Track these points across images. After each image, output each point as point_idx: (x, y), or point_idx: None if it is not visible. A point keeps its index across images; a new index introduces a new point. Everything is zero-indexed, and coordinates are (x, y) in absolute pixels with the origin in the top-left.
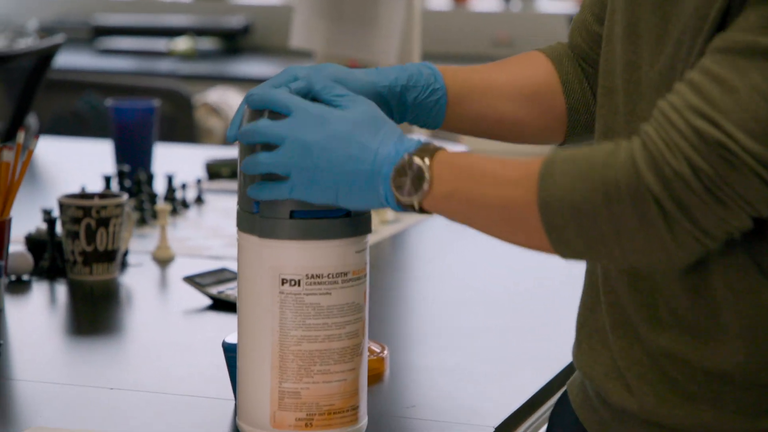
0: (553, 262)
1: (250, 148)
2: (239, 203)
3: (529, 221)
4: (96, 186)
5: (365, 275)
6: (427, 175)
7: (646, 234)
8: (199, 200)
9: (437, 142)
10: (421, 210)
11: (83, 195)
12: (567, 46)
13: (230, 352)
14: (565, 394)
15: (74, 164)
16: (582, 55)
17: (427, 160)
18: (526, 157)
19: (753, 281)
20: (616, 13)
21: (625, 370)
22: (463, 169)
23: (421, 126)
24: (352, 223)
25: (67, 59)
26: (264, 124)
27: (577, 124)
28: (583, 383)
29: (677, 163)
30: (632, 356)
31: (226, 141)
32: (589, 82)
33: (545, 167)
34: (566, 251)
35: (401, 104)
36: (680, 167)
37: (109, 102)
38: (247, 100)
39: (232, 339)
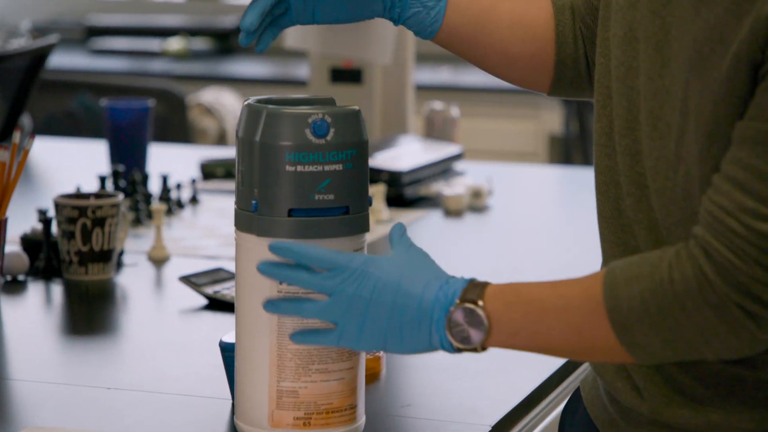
0: (550, 259)
1: (249, 155)
2: (237, 202)
3: (606, 345)
4: (91, 186)
5: None
6: (485, 321)
7: (735, 334)
8: (194, 200)
9: (478, 283)
10: (484, 349)
11: (79, 195)
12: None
13: (227, 351)
14: (577, 390)
15: (69, 164)
16: (580, 17)
17: (480, 303)
18: (573, 280)
19: None
20: (609, 20)
21: (633, 371)
22: (520, 306)
23: (416, 33)
24: (350, 221)
25: (61, 59)
26: (309, 278)
27: (563, 78)
28: (596, 380)
29: (750, 269)
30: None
31: (239, 42)
32: (584, 41)
33: (609, 291)
34: (658, 362)
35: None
36: (753, 272)
37: (104, 102)
38: (282, 254)
39: (229, 338)
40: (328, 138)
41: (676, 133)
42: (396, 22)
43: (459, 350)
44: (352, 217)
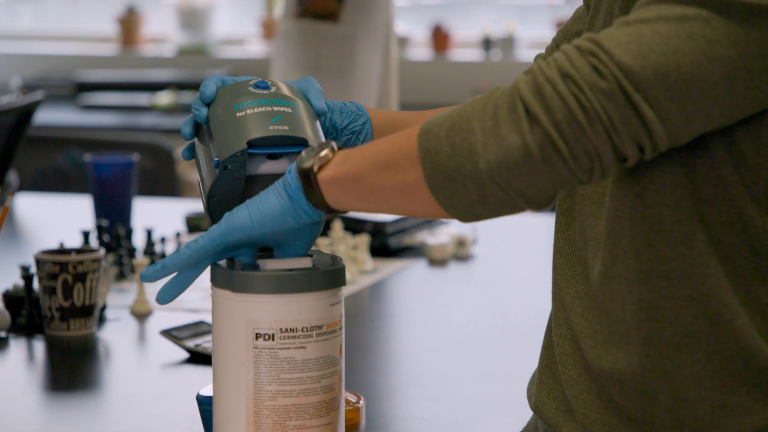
0: (535, 308)
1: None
2: (208, 215)
3: (408, 160)
4: (76, 241)
5: (340, 328)
6: (329, 150)
7: (509, 129)
8: None
9: None
10: (313, 186)
11: (60, 250)
12: None
13: (205, 404)
14: None
15: (54, 220)
16: None
17: (333, 145)
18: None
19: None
20: None
21: (573, 399)
22: (356, 149)
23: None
24: (326, 276)
25: (50, 115)
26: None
27: None
28: (536, 426)
29: (549, 69)
30: (581, 384)
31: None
32: None
33: (427, 121)
34: (438, 184)
35: (332, 127)
36: (550, 72)
37: (88, 157)
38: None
39: (207, 392)
40: (271, 90)
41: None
42: None
43: (302, 184)
44: (328, 272)
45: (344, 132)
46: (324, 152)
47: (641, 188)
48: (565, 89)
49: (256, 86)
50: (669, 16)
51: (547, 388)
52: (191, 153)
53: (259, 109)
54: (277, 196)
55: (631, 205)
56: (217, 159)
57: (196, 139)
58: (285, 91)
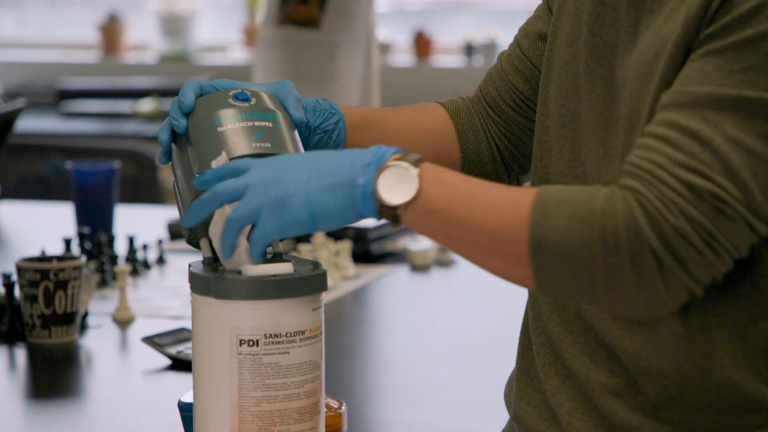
0: (513, 315)
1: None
2: (193, 264)
3: (516, 254)
4: (57, 249)
5: (321, 332)
6: (416, 184)
7: (640, 286)
8: (160, 261)
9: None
10: (396, 219)
11: (42, 258)
12: (468, 101)
13: (186, 411)
14: None
15: (36, 227)
16: (491, 104)
17: (415, 169)
18: (507, 186)
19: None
20: (550, 80)
21: (557, 407)
22: (452, 187)
23: (321, 148)
24: (310, 281)
25: (32, 123)
26: (222, 185)
27: (470, 172)
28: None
29: (675, 219)
30: (564, 392)
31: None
32: (490, 132)
33: (539, 205)
34: (551, 291)
35: (305, 127)
36: (679, 223)
37: (69, 165)
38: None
39: (188, 398)
40: (251, 103)
41: (622, 151)
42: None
43: (379, 211)
44: (310, 277)
45: (317, 131)
46: (410, 188)
47: None
48: (699, 242)
49: (236, 98)
50: None
51: (526, 395)
52: (168, 157)
53: (241, 124)
54: (343, 206)
55: None
56: (198, 175)
57: (173, 145)
58: (265, 102)
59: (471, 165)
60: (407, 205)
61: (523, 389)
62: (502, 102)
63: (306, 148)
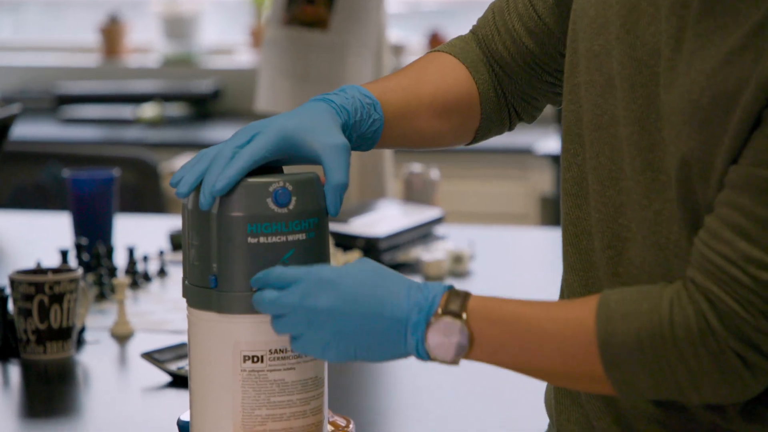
0: None
1: (204, 228)
2: (189, 278)
3: (591, 376)
4: (53, 261)
5: None
6: (465, 335)
7: (728, 382)
8: (161, 272)
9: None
10: (457, 364)
11: (36, 270)
12: (475, 45)
13: (186, 430)
14: None
15: (33, 238)
16: (500, 62)
17: (461, 320)
18: (564, 304)
19: None
20: (578, 66)
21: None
22: (506, 324)
23: (354, 149)
24: None
25: (30, 129)
26: (269, 295)
27: (489, 130)
28: None
29: (754, 320)
30: (609, 416)
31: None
32: (503, 88)
33: (603, 323)
34: (637, 398)
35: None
36: (758, 323)
37: (67, 173)
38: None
39: (188, 417)
40: (291, 207)
41: (678, 185)
42: None
43: (433, 359)
44: None
45: (354, 138)
46: (461, 342)
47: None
48: None
49: (276, 197)
50: None
51: (566, 410)
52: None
53: (273, 239)
54: (394, 356)
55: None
56: (214, 278)
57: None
58: (305, 201)
59: (491, 124)
60: (464, 355)
61: (562, 402)
62: (514, 64)
63: None
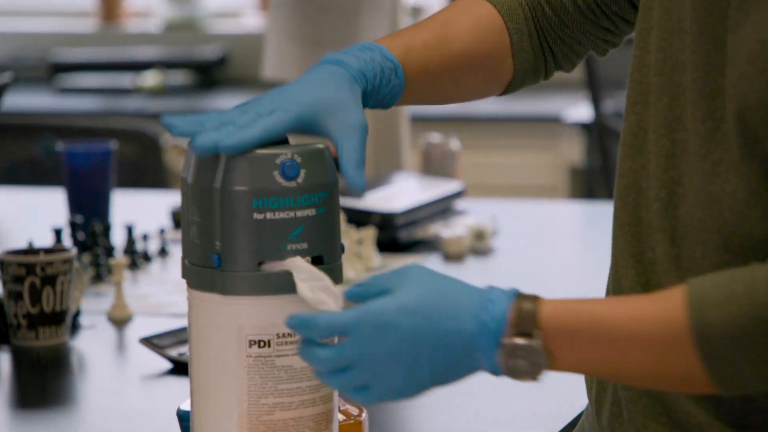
0: None
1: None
2: (189, 257)
3: (688, 376)
4: (46, 240)
5: None
6: (543, 356)
7: None
8: (162, 252)
9: (523, 293)
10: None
11: (28, 251)
12: None
13: (186, 420)
14: None
15: (25, 216)
16: (553, 3)
17: (534, 340)
18: (646, 299)
19: None
20: (653, 9)
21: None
22: (584, 333)
23: (371, 107)
24: (324, 272)
25: (23, 100)
26: (324, 354)
27: (523, 81)
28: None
29: None
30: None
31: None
32: (544, 34)
33: (698, 320)
34: (741, 392)
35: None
36: None
37: (61, 146)
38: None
39: (188, 406)
40: (299, 180)
41: (741, 133)
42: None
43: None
44: (325, 268)
45: (370, 99)
46: (539, 360)
47: None
48: None
49: (284, 170)
50: None
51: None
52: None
53: (280, 215)
54: (459, 374)
55: None
56: (217, 257)
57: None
58: (316, 173)
59: (525, 76)
60: (544, 371)
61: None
62: (570, 3)
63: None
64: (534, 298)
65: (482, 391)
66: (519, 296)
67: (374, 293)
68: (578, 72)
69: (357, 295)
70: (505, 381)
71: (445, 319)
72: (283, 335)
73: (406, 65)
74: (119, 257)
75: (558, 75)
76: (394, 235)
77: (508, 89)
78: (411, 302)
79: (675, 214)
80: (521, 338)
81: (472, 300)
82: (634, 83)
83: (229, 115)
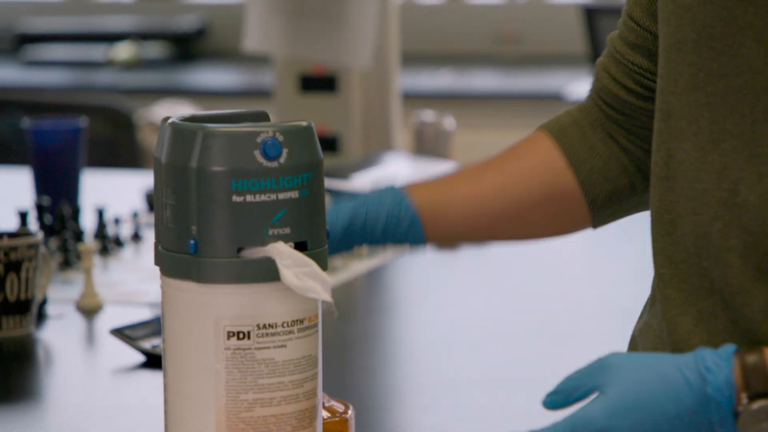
0: (559, 301)
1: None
2: (162, 242)
3: None
4: (11, 223)
5: (319, 321)
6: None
7: None
8: (136, 237)
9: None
10: None
11: None
12: (577, 110)
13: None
14: None
15: None
16: (608, 100)
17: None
18: None
19: None
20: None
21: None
22: None
23: (402, 247)
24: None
25: None
26: None
27: (597, 200)
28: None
29: None
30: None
31: None
32: (614, 138)
33: None
34: None
35: (370, 239)
36: None
37: (27, 123)
38: None
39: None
40: (281, 160)
41: None
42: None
43: None
44: (309, 255)
45: (385, 239)
46: None
47: None
48: None
49: (265, 149)
50: None
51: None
52: None
53: (261, 197)
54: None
55: None
56: (194, 242)
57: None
58: (299, 154)
59: (595, 188)
60: None
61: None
62: (623, 91)
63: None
64: (757, 351)
65: (470, 388)
66: (738, 354)
67: (576, 397)
68: (581, 45)
69: (558, 403)
70: (494, 377)
71: (666, 403)
72: (264, 326)
73: (416, 193)
74: (89, 242)
75: (558, 48)
76: None
77: (598, 220)
78: (619, 401)
79: (738, 227)
80: (758, 401)
81: (688, 374)
82: (661, 113)
83: None
